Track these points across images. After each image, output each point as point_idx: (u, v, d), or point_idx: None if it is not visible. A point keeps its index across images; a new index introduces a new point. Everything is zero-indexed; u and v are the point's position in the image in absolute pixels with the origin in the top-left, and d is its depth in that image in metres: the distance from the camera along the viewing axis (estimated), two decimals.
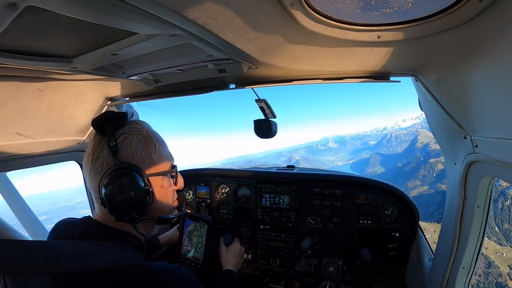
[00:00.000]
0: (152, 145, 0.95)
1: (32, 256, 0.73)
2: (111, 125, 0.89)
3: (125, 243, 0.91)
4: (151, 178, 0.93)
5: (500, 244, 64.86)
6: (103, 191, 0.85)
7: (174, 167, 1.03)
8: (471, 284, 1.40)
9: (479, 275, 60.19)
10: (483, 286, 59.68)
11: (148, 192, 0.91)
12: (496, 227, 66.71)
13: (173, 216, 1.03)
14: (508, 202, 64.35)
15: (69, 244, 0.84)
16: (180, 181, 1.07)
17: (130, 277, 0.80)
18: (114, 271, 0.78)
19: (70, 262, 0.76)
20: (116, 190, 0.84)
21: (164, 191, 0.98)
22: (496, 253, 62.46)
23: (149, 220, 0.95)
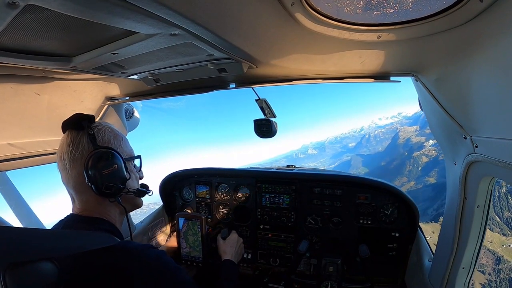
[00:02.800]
0: (120, 137, 1.11)
1: (34, 242, 0.78)
2: (87, 121, 1.02)
3: (102, 228, 1.00)
4: None
5: (504, 235, 61.61)
6: (90, 170, 0.96)
7: (138, 156, 1.18)
8: (473, 283, 1.39)
9: (489, 274, 56.84)
10: (495, 285, 55.90)
11: (126, 168, 1.07)
12: (497, 217, 63.46)
13: (149, 190, 1.21)
14: (504, 190, 61.66)
15: (58, 231, 0.96)
16: (142, 172, 1.24)
17: (109, 257, 0.88)
18: (94, 253, 0.85)
19: (67, 245, 0.84)
20: (102, 165, 0.97)
21: (133, 175, 1.14)
22: (503, 246, 59.52)
23: (130, 192, 1.09)
